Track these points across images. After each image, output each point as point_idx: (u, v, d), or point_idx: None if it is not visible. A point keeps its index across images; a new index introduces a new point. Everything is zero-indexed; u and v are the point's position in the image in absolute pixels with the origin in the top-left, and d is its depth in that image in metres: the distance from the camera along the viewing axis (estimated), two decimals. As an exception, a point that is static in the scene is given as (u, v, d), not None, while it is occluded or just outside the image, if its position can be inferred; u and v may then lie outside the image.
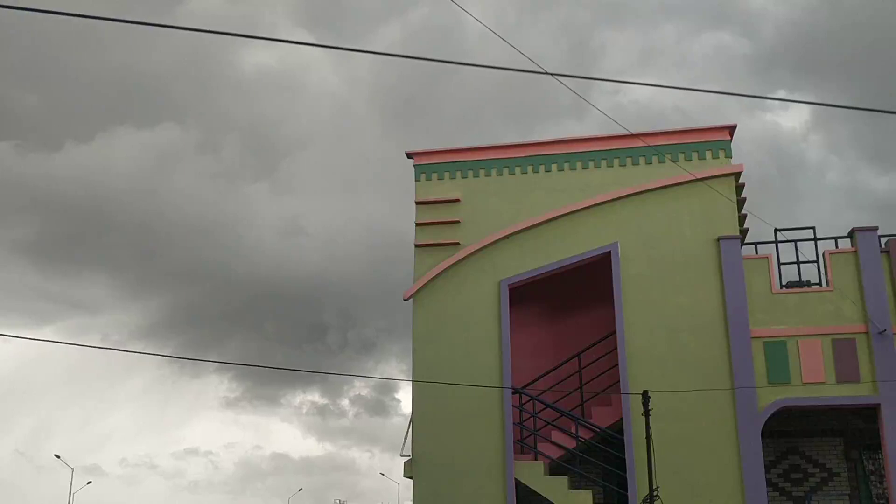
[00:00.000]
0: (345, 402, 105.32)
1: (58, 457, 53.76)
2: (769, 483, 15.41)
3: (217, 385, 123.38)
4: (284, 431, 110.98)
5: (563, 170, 16.36)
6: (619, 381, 15.13)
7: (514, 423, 15.26)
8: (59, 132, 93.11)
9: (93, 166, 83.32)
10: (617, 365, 15.33)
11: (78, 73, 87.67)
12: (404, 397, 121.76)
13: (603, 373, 16.31)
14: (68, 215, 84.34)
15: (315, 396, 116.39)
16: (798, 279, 15.39)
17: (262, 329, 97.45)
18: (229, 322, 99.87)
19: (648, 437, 13.28)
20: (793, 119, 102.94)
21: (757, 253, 15.58)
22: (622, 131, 14.57)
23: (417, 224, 16.54)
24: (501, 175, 16.54)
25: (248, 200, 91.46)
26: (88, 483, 55.90)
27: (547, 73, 8.81)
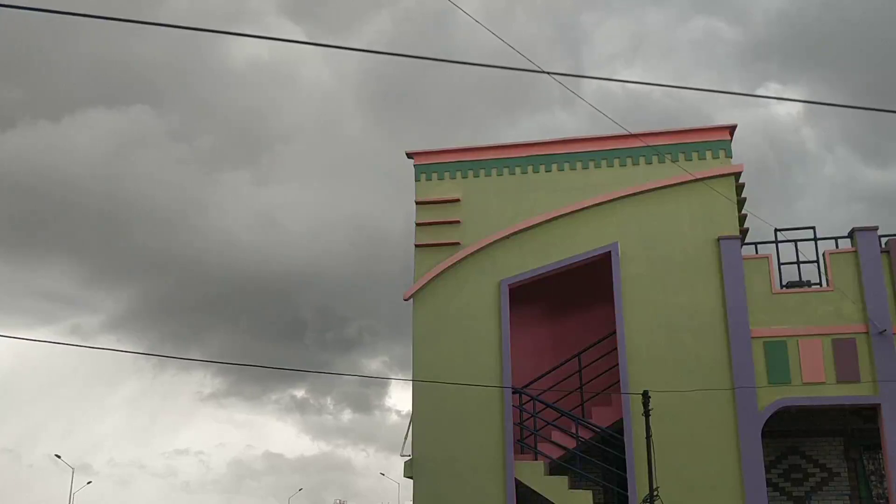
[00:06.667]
0: (337, 401, 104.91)
1: (58, 457, 53.81)
2: (769, 483, 15.40)
3: (201, 379, 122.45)
4: (277, 430, 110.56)
5: (563, 170, 16.36)
6: (619, 381, 15.12)
7: (514, 423, 15.25)
8: (22, 111, 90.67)
9: (56, 146, 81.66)
10: (617, 365, 15.32)
11: (59, 60, 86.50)
12: (397, 396, 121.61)
13: (603, 373, 16.31)
14: (26, 196, 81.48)
15: (304, 393, 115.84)
16: (798, 279, 15.38)
17: (244, 323, 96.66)
18: (206, 315, 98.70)
19: (648, 437, 13.27)
20: (785, 106, 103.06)
21: (757, 253, 15.58)
22: (615, 125, 14.42)
23: (417, 224, 16.54)
24: (501, 175, 16.53)
25: (226, 190, 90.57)
26: (89, 483, 55.96)
27: (543, 72, 8.80)
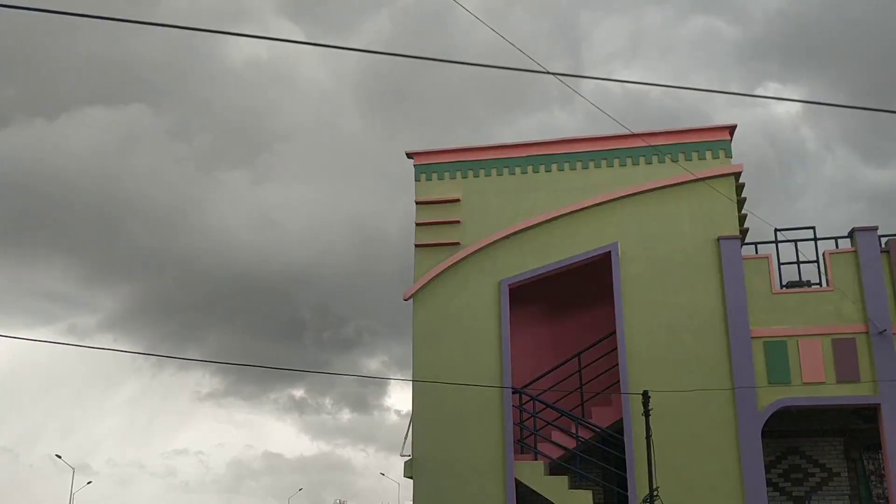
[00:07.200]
0: (336, 401, 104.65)
1: (59, 457, 53.78)
2: (769, 483, 15.40)
3: (199, 379, 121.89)
4: (276, 430, 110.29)
5: (563, 170, 16.36)
6: (619, 381, 15.12)
7: (514, 423, 15.25)
8: (17, 109, 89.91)
9: (53, 145, 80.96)
10: (617, 365, 15.32)
11: (55, 58, 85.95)
12: (396, 396, 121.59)
13: (603, 373, 16.30)
14: (22, 195, 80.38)
15: (303, 393, 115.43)
16: (798, 279, 15.38)
17: (243, 322, 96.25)
18: (205, 314, 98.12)
19: (648, 437, 13.27)
20: (785, 106, 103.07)
21: (757, 253, 15.58)
22: (614, 125, 14.39)
23: (417, 224, 16.54)
24: (501, 175, 16.53)
25: (225, 189, 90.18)
26: (89, 483, 55.95)
27: (545, 73, 8.80)
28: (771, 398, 14.49)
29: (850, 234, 15.22)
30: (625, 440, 14.67)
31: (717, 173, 15.62)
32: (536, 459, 15.38)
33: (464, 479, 15.02)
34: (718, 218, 15.43)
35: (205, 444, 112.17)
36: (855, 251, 14.97)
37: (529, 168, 16.45)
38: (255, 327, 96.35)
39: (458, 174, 16.71)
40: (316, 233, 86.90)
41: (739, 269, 15.01)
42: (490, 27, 9.65)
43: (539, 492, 15.00)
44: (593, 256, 15.82)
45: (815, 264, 15.26)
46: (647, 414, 13.37)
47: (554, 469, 15.61)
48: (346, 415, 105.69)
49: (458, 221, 16.40)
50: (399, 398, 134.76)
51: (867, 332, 14.51)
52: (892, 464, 14.00)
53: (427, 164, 16.90)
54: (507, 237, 16.09)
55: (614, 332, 15.44)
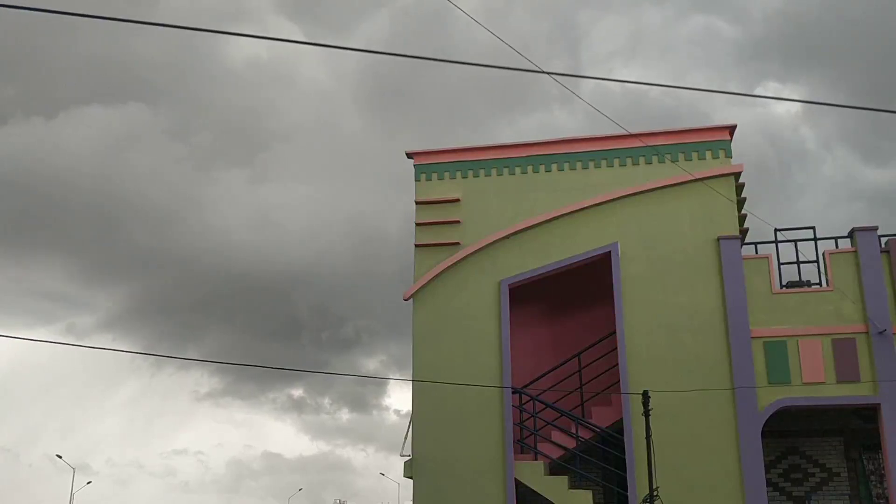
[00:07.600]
0: (334, 400, 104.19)
1: (59, 457, 53.77)
2: (769, 483, 15.40)
3: (198, 378, 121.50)
4: (275, 430, 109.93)
5: (563, 170, 16.36)
6: (619, 381, 15.13)
7: (514, 423, 15.26)
8: (16, 108, 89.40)
9: (51, 144, 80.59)
10: (617, 365, 15.32)
11: (54, 57, 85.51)
12: (395, 395, 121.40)
13: (603, 373, 16.31)
14: (20, 194, 79.47)
15: (301, 392, 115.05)
16: (798, 279, 15.38)
17: (242, 322, 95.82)
18: (204, 314, 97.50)
19: (648, 437, 13.27)
20: (785, 105, 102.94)
21: (757, 253, 15.58)
22: (614, 124, 14.39)
23: (417, 224, 16.54)
24: (501, 175, 16.53)
25: (224, 188, 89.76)
26: (88, 483, 55.95)
27: (541, 72, 8.80)
28: (771, 398, 14.49)
29: (850, 234, 15.22)
30: (625, 440, 14.68)
31: (717, 173, 15.62)
32: (536, 459, 15.39)
33: (464, 479, 15.03)
34: (718, 218, 15.43)
35: (204, 443, 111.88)
36: (855, 251, 14.98)
37: (529, 168, 16.45)
38: (255, 327, 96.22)
39: (458, 174, 16.71)
40: (316, 233, 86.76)
41: (739, 269, 15.02)
42: (486, 28, 9.65)
43: (539, 492, 15.01)
44: (593, 256, 15.82)
45: (815, 264, 15.27)
46: (647, 414, 13.37)
47: (554, 469, 15.62)
48: (345, 415, 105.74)
49: (458, 221, 16.40)
50: (399, 398, 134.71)
51: (867, 332, 14.51)
52: (892, 464, 14.00)
53: (427, 164, 16.90)
54: (507, 237, 16.10)
55: (614, 332, 15.44)
